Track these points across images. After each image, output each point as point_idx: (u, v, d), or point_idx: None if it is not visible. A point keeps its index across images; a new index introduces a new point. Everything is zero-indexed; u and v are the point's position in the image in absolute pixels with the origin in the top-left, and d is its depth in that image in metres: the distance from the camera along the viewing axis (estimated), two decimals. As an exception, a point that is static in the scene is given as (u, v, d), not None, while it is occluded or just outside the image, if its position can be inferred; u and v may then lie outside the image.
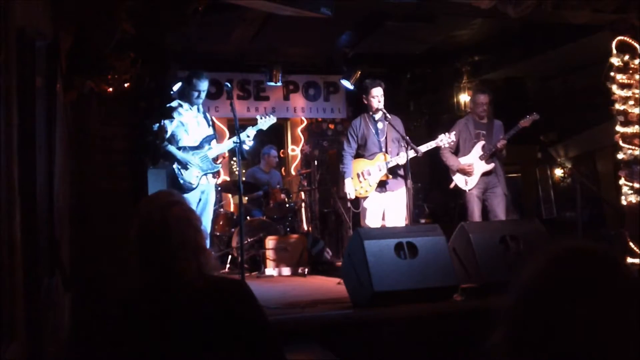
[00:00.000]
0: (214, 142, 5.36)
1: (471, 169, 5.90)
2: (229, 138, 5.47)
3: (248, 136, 5.35)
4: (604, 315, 0.90)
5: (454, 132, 5.68)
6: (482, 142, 5.96)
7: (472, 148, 5.98)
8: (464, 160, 5.96)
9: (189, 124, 5.25)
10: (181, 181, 5.10)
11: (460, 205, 7.62)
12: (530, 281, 0.98)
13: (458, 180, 5.99)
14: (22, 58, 2.20)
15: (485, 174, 5.91)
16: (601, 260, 0.97)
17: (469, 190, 5.93)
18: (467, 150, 6.00)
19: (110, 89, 4.29)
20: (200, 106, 5.40)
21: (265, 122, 5.47)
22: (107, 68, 4.21)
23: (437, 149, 5.77)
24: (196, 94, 5.25)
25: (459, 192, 6.23)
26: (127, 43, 4.24)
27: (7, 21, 1.96)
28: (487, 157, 5.90)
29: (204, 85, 5.26)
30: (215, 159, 5.30)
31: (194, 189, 5.14)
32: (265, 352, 1.85)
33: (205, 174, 5.24)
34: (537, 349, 0.92)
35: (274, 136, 9.51)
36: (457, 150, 6.06)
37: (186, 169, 5.13)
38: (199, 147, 5.24)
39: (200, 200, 5.21)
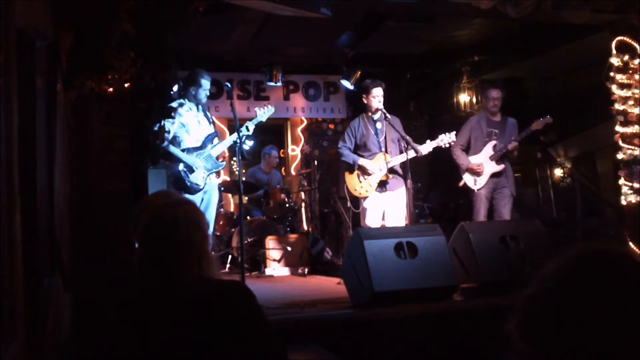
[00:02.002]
0: (216, 140, 5.35)
1: (480, 169, 5.86)
2: (230, 136, 5.46)
3: (248, 130, 5.33)
4: (623, 316, 0.90)
5: (454, 132, 5.66)
6: (493, 142, 5.91)
7: (484, 147, 5.93)
8: (474, 160, 5.92)
9: (189, 124, 5.24)
10: (188, 183, 5.07)
11: (462, 205, 7.62)
12: (551, 278, 0.98)
13: (467, 179, 5.95)
14: (22, 58, 2.20)
15: (495, 175, 5.88)
16: (624, 262, 0.97)
17: (478, 190, 5.90)
18: (478, 149, 5.96)
19: (110, 89, 4.28)
20: (200, 105, 5.40)
21: (264, 114, 5.44)
22: (107, 68, 4.21)
23: (443, 148, 5.74)
24: (204, 93, 5.27)
25: (460, 192, 6.22)
26: (127, 43, 4.24)
27: (7, 21, 1.96)
28: (497, 157, 5.86)
29: (209, 84, 5.30)
30: (218, 157, 5.31)
31: (201, 189, 5.12)
32: (266, 356, 1.85)
33: (211, 174, 5.24)
34: (554, 346, 0.92)
35: (274, 136, 9.52)
36: (467, 148, 6.03)
37: (192, 171, 5.11)
38: (202, 147, 5.23)
39: (202, 200, 5.20)
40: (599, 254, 0.98)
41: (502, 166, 5.86)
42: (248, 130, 5.31)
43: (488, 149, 5.92)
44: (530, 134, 5.88)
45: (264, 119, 5.46)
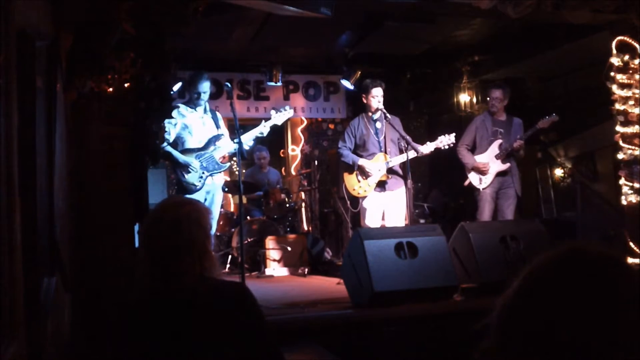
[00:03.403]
0: (221, 141, 5.35)
1: (486, 168, 5.85)
2: (232, 139, 5.45)
3: (262, 133, 5.34)
4: (605, 316, 0.90)
5: (453, 134, 5.65)
6: (499, 141, 5.91)
7: (489, 146, 5.92)
8: (479, 159, 5.91)
9: (192, 125, 5.25)
10: (184, 183, 5.12)
11: (462, 205, 7.61)
12: (528, 282, 0.98)
13: (473, 178, 5.94)
14: (22, 58, 2.20)
15: (501, 174, 5.87)
16: (603, 261, 0.97)
17: (483, 189, 5.89)
18: (483, 148, 5.95)
19: (110, 89, 4.28)
20: (207, 106, 5.40)
21: (280, 117, 5.41)
22: (107, 68, 4.21)
23: (443, 149, 5.73)
24: (196, 95, 5.26)
25: (460, 192, 6.21)
26: (127, 43, 4.24)
27: (7, 21, 1.96)
28: (503, 156, 5.85)
29: (204, 86, 5.27)
30: (221, 159, 5.31)
31: (197, 190, 5.15)
32: (263, 356, 1.85)
33: (211, 175, 5.24)
34: (534, 347, 0.92)
35: (274, 136, 9.50)
36: (473, 148, 6.02)
37: (188, 171, 5.14)
38: (203, 148, 5.24)
39: (205, 200, 5.22)
40: (578, 253, 0.98)
41: (507, 165, 5.85)
42: (262, 133, 5.33)
43: (494, 148, 5.90)
44: (536, 133, 5.88)
45: (279, 123, 5.45)
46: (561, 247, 1.00)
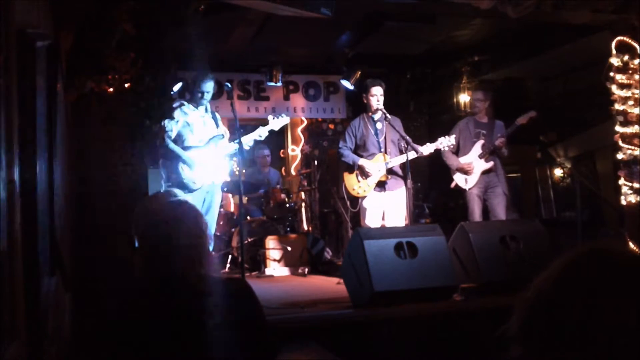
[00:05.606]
0: (220, 142, 5.35)
1: (470, 168, 5.93)
2: (230, 139, 5.45)
3: (260, 136, 5.36)
4: (625, 315, 0.90)
5: (453, 135, 5.67)
6: (482, 141, 6.00)
7: (472, 147, 6.01)
8: (463, 160, 6.00)
9: (194, 124, 5.25)
10: (185, 180, 5.10)
11: (461, 205, 7.62)
12: (551, 280, 0.98)
13: (458, 179, 6.02)
14: (23, 58, 2.20)
15: (485, 173, 5.94)
16: (623, 261, 0.97)
17: (469, 189, 5.97)
18: (467, 150, 6.04)
19: (110, 89, 4.29)
20: (209, 106, 5.41)
21: (277, 123, 5.43)
22: (107, 68, 4.21)
23: (445, 150, 5.77)
24: (199, 95, 5.26)
25: (459, 192, 6.24)
26: (127, 43, 4.24)
27: (7, 21, 1.96)
28: (487, 155, 5.93)
29: (207, 86, 5.27)
30: (220, 159, 5.31)
31: (197, 189, 5.14)
32: (261, 354, 1.86)
33: (210, 174, 5.23)
34: (554, 348, 0.92)
35: (274, 136, 9.50)
36: (457, 150, 6.09)
37: (190, 168, 5.13)
38: (204, 147, 5.24)
39: (204, 200, 5.21)
40: (598, 254, 0.98)
41: (491, 163, 5.93)
42: (260, 136, 5.35)
43: (477, 148, 6.00)
44: (516, 130, 5.95)
45: (276, 128, 5.47)
46: (583, 248, 0.99)
